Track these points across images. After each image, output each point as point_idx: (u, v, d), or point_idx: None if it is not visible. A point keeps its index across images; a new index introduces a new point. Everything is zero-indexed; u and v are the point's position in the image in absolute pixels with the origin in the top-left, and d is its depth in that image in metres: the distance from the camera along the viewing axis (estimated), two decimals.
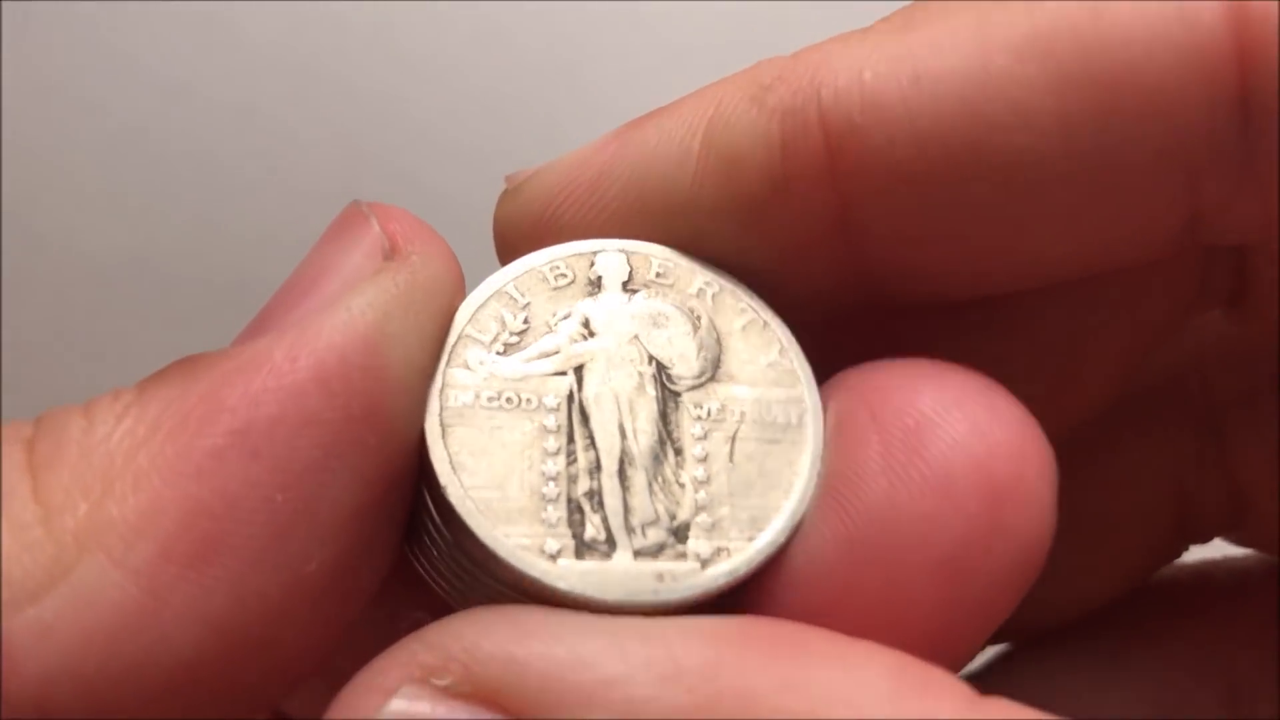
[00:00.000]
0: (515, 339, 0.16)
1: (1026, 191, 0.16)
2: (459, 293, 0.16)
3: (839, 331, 0.18)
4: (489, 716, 0.13)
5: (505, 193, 0.18)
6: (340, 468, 0.14)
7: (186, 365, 0.14)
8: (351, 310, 0.14)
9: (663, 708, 0.13)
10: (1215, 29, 0.15)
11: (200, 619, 0.13)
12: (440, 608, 0.17)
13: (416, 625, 0.20)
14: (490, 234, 0.17)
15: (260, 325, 0.15)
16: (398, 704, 0.13)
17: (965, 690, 0.13)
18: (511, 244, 0.17)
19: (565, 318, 0.16)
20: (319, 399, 0.14)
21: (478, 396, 0.15)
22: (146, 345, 0.33)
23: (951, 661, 0.15)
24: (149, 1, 0.37)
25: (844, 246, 0.16)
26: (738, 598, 0.15)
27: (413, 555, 0.16)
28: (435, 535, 0.15)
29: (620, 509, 0.15)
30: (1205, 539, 0.22)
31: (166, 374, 0.14)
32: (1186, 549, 0.23)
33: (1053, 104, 0.15)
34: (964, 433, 0.14)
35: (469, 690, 0.13)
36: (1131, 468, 0.21)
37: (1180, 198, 0.16)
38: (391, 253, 0.15)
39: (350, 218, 0.16)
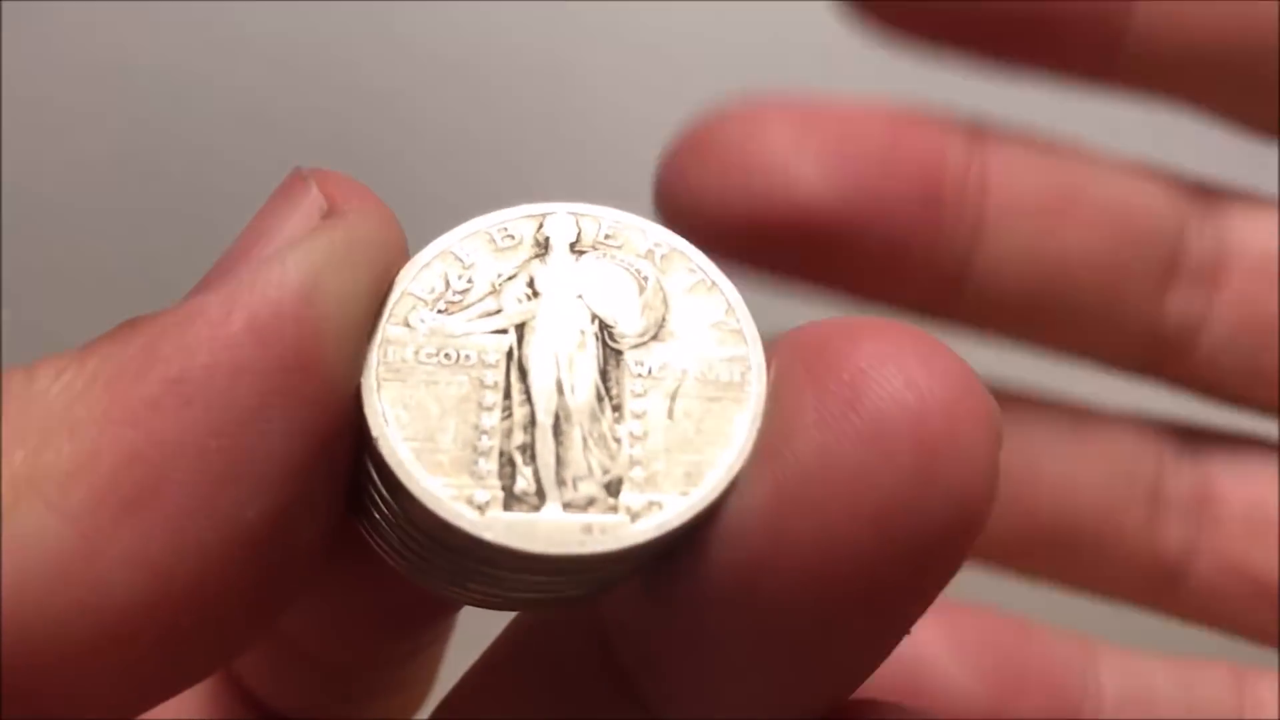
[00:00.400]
0: (458, 298, 0.16)
1: None
2: (399, 252, 0.16)
3: None
4: None
5: None
6: (275, 416, 0.14)
7: (128, 324, 0.15)
8: (285, 264, 0.15)
9: None
10: None
11: (137, 564, 0.14)
12: (392, 577, 0.17)
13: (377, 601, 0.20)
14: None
15: (201, 286, 0.15)
16: None
17: None
18: None
19: (510, 278, 0.16)
20: (253, 348, 0.14)
21: (416, 353, 0.15)
22: None
23: (893, 623, 0.15)
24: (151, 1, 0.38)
25: None
26: (672, 553, 0.15)
27: (358, 522, 0.16)
28: (375, 496, 0.15)
29: (552, 462, 0.15)
30: None
31: (109, 333, 0.15)
32: None
33: None
34: (898, 386, 0.14)
35: None
36: None
37: None
38: (329, 212, 0.15)
39: (290, 183, 0.16)
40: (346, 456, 0.15)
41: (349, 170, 0.17)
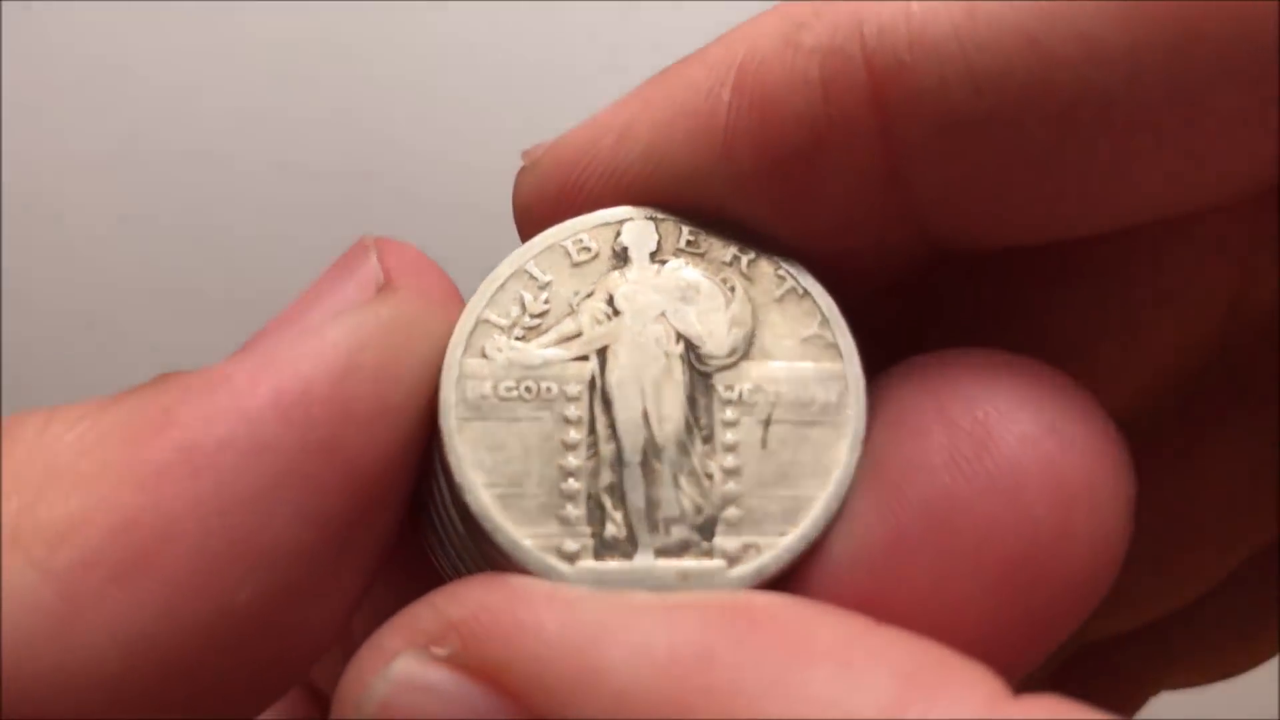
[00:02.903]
0: (535, 322, 0.15)
1: (1090, 134, 0.14)
2: (451, 333, 0.15)
3: (889, 297, 0.17)
4: (484, 696, 0.13)
5: (522, 170, 0.16)
6: (288, 500, 0.13)
7: (158, 380, 0.14)
8: (324, 339, 0.14)
9: (649, 699, 0.12)
10: None
11: (119, 634, 0.13)
12: None
13: None
14: (496, 228, 0.17)
15: (244, 349, 0.14)
16: (399, 667, 0.13)
17: (993, 688, 0.12)
18: (533, 222, 0.16)
19: (588, 296, 0.15)
20: (274, 426, 0.13)
21: (495, 388, 0.15)
22: (144, 348, 0.34)
23: (1004, 674, 0.14)
24: (151, 1, 0.37)
25: (893, 203, 0.15)
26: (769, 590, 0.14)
27: (430, 553, 0.16)
28: (451, 529, 0.15)
29: (643, 504, 0.14)
30: None
31: (139, 387, 0.14)
32: None
33: (1123, 37, 0.13)
34: (1037, 430, 0.13)
35: (467, 664, 0.13)
36: (1218, 456, 0.19)
37: (1263, 132, 0.14)
38: (384, 286, 0.14)
39: (354, 251, 0.15)
40: (376, 541, 0.14)
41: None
